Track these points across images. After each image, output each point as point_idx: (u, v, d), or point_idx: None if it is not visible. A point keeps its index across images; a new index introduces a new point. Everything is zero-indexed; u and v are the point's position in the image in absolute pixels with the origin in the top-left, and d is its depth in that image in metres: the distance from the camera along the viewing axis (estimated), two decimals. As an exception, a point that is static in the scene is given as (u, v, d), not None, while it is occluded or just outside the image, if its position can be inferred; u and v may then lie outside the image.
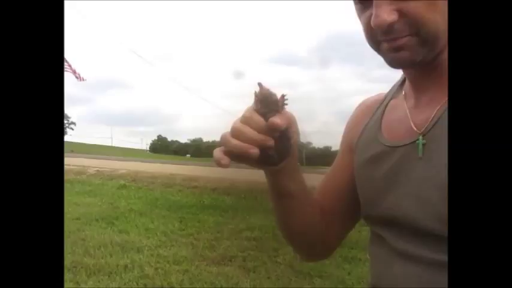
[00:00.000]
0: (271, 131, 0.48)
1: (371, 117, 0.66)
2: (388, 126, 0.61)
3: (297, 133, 0.53)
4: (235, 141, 0.49)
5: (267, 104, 0.49)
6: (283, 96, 0.50)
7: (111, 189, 6.60)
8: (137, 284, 2.87)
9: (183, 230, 4.26)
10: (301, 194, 0.62)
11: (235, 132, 0.49)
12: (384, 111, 0.64)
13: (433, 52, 0.54)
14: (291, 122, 0.50)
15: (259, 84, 0.49)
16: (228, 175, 7.99)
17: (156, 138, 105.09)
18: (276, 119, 0.48)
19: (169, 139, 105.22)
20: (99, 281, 2.91)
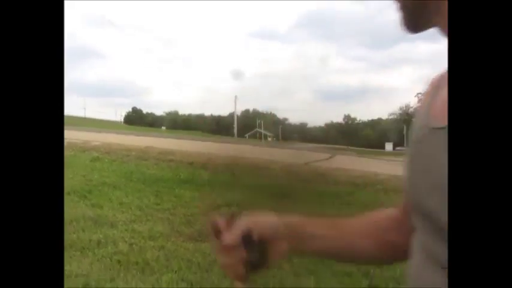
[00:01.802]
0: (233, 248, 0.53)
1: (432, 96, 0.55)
2: (438, 106, 0.52)
3: (267, 227, 0.56)
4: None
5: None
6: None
7: (84, 162, 6.40)
8: (111, 260, 2.77)
9: (159, 204, 4.16)
10: (327, 241, 0.61)
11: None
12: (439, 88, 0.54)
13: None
14: (248, 230, 0.53)
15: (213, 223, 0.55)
16: (205, 149, 7.88)
17: (131, 110, 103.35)
18: (225, 240, 0.53)
19: (144, 111, 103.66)
20: (70, 257, 2.79)
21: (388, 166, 7.62)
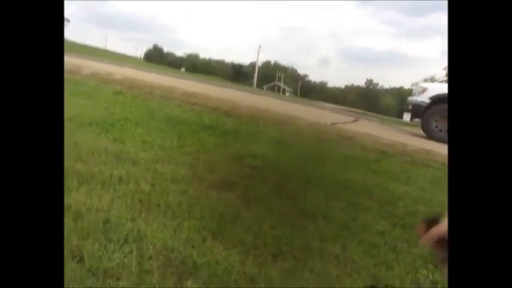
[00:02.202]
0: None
1: None
2: None
3: None
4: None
5: None
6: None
7: (106, 94, 6.26)
8: (132, 199, 2.67)
9: (182, 147, 4.03)
10: None
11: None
12: None
13: None
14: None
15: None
16: (229, 96, 7.69)
17: (152, 47, 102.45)
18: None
19: (164, 50, 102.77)
20: (91, 190, 2.70)
21: (415, 139, 7.38)
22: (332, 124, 6.47)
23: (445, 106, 8.09)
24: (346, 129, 6.42)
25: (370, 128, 7.27)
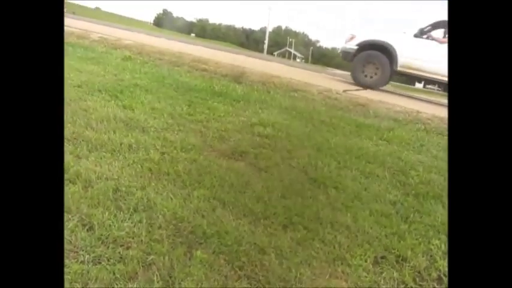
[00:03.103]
0: None
1: None
2: None
3: None
4: None
5: None
6: None
7: (115, 60, 6.18)
8: (142, 167, 2.66)
9: (192, 115, 3.98)
10: None
11: None
12: None
13: None
14: None
15: None
16: (240, 63, 7.56)
17: (162, 11, 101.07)
18: None
19: (174, 15, 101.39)
20: (101, 158, 2.69)
21: (429, 105, 7.24)
22: (344, 91, 6.35)
23: (371, 52, 8.22)
24: (359, 96, 6.30)
25: (383, 95, 7.13)
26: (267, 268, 1.87)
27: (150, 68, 5.99)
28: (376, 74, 8.24)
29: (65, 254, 1.72)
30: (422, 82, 10.72)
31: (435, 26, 8.28)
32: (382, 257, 2.12)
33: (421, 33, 8.12)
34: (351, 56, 8.48)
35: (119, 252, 1.79)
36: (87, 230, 1.90)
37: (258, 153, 3.26)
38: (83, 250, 1.76)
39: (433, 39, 8.06)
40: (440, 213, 2.70)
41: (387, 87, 10.26)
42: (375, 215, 2.55)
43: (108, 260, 1.73)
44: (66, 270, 1.64)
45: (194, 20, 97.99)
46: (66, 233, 1.84)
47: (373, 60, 8.22)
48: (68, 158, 2.56)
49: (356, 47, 8.42)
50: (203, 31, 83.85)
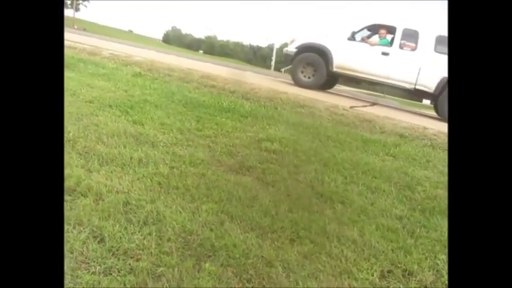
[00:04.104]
0: None
1: None
2: None
3: None
4: None
5: None
6: None
7: (126, 76, 6.29)
8: (151, 181, 2.71)
9: (200, 130, 4.04)
10: None
11: None
12: None
13: None
14: None
15: None
16: (247, 79, 7.65)
17: (171, 29, 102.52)
18: None
19: (183, 32, 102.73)
20: (112, 172, 2.75)
21: (435, 122, 7.26)
22: (351, 107, 6.39)
23: (308, 54, 8.68)
24: (365, 112, 6.34)
25: (389, 111, 7.16)
26: (274, 281, 1.90)
27: (159, 84, 6.09)
28: (313, 75, 8.72)
29: (77, 265, 1.77)
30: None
31: (370, 29, 8.78)
32: (388, 271, 2.14)
33: (353, 36, 8.59)
34: (291, 58, 8.92)
35: (129, 264, 1.83)
36: (98, 242, 1.95)
37: (265, 168, 3.30)
38: (94, 261, 1.80)
39: (365, 42, 8.53)
40: (447, 229, 2.71)
41: (393, 103, 10.31)
42: (381, 230, 2.57)
43: (119, 272, 1.77)
44: (77, 281, 1.68)
45: (203, 37, 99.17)
46: (77, 244, 1.89)
47: (311, 62, 8.68)
48: (79, 171, 2.62)
49: (295, 50, 8.86)
50: (211, 48, 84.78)
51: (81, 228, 2.02)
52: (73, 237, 1.93)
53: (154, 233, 2.08)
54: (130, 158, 3.02)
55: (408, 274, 2.14)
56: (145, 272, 1.79)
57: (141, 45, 18.47)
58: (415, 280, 2.09)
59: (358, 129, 5.35)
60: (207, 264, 1.90)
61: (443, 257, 2.33)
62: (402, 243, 2.43)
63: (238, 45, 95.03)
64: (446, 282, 2.11)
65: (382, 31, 8.57)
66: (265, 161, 3.48)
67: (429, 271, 2.18)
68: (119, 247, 1.92)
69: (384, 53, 8.30)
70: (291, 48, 8.95)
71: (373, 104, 8.04)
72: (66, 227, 1.98)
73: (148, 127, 3.83)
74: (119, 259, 1.85)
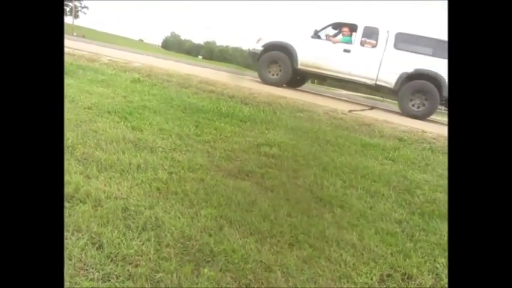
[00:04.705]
0: None
1: None
2: None
3: None
4: None
5: None
6: None
7: (125, 82, 6.30)
8: (150, 187, 2.71)
9: (199, 135, 4.05)
10: None
11: None
12: None
13: None
14: None
15: None
16: (246, 84, 7.67)
17: (170, 34, 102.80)
18: None
19: (182, 37, 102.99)
20: (110, 178, 2.75)
21: (434, 125, 7.27)
22: (350, 111, 6.41)
23: (274, 53, 8.91)
24: (364, 116, 6.35)
25: (388, 115, 7.17)
26: (273, 286, 1.89)
27: (158, 90, 6.11)
28: (279, 72, 8.94)
29: (75, 272, 1.76)
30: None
31: (335, 27, 9.00)
32: (388, 275, 2.13)
33: (316, 34, 8.79)
34: (258, 56, 9.14)
35: (128, 270, 1.82)
36: (97, 248, 1.95)
37: (264, 172, 3.30)
38: (92, 268, 1.80)
39: (328, 39, 8.74)
40: (446, 232, 2.71)
41: (392, 107, 10.32)
42: (380, 234, 2.57)
43: (117, 278, 1.77)
44: (76, 287, 1.68)
45: (202, 43, 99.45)
46: (76, 251, 1.89)
47: (276, 59, 8.90)
48: (78, 178, 2.62)
49: (262, 48, 9.08)
50: (210, 53, 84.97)
51: (80, 235, 2.02)
52: (72, 243, 1.93)
53: (153, 239, 2.07)
54: (129, 164, 3.02)
55: (407, 278, 2.13)
56: (144, 277, 1.79)
57: (140, 51, 18.51)
58: (414, 284, 2.09)
59: (357, 133, 5.36)
60: (205, 270, 1.90)
61: (443, 260, 2.33)
62: (401, 247, 2.42)
63: (237, 50, 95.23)
64: (446, 285, 2.11)
65: (345, 29, 8.79)
66: (264, 165, 3.48)
67: (428, 275, 2.18)
68: (118, 253, 1.92)
69: (346, 50, 8.52)
70: (258, 47, 9.16)
71: (372, 107, 8.05)
72: (64, 233, 1.97)
73: (147, 133, 3.83)
74: (117, 265, 1.84)
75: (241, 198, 2.74)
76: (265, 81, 8.96)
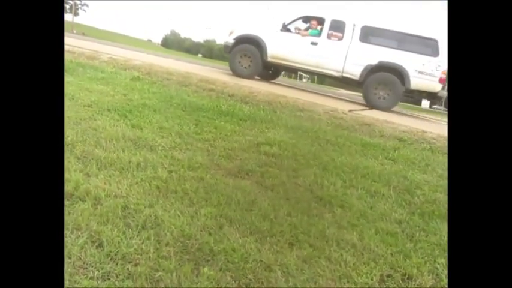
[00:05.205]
0: None
1: None
2: None
3: None
4: None
5: None
6: None
7: (125, 80, 6.29)
8: (150, 185, 2.70)
9: (199, 134, 4.04)
10: None
11: None
12: None
13: None
14: None
15: None
16: (247, 83, 7.66)
17: (169, 32, 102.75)
18: None
19: (182, 36, 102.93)
20: (110, 176, 2.74)
21: (435, 125, 7.26)
22: (350, 111, 6.40)
23: (245, 46, 9.02)
24: (364, 115, 6.35)
25: (388, 115, 7.17)
26: (273, 285, 1.89)
27: (158, 88, 6.09)
28: (250, 65, 9.05)
29: (75, 270, 1.76)
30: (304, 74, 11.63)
31: (305, 20, 9.12)
32: (388, 275, 2.13)
33: (285, 27, 8.91)
34: (229, 49, 9.22)
35: (128, 269, 1.82)
36: (97, 246, 1.94)
37: (264, 171, 3.30)
38: (92, 266, 1.79)
39: (297, 32, 8.87)
40: (446, 232, 2.70)
41: (394, 107, 10.30)
42: (380, 234, 2.56)
43: (117, 276, 1.76)
44: (75, 286, 1.67)
45: (202, 41, 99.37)
46: (75, 249, 1.88)
47: (247, 52, 9.02)
48: (77, 176, 2.61)
49: (233, 41, 9.17)
50: (210, 51, 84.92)
51: (79, 233, 2.01)
52: (71, 242, 1.92)
53: (152, 238, 2.07)
54: (129, 162, 3.01)
55: (407, 278, 2.13)
56: (144, 276, 1.78)
57: (140, 49, 18.48)
58: (414, 284, 2.09)
59: (357, 133, 5.36)
60: (205, 269, 1.89)
61: (443, 260, 2.32)
62: (401, 247, 2.42)
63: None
64: (446, 286, 2.10)
65: (313, 22, 8.91)
66: (264, 164, 3.48)
67: (428, 275, 2.17)
68: (117, 252, 1.91)
69: (313, 43, 8.66)
70: (230, 40, 9.24)
71: (372, 107, 8.04)
72: (64, 231, 1.97)
73: (147, 131, 3.83)
74: (117, 264, 1.84)
75: (241, 197, 2.73)
76: (236, 73, 9.08)
